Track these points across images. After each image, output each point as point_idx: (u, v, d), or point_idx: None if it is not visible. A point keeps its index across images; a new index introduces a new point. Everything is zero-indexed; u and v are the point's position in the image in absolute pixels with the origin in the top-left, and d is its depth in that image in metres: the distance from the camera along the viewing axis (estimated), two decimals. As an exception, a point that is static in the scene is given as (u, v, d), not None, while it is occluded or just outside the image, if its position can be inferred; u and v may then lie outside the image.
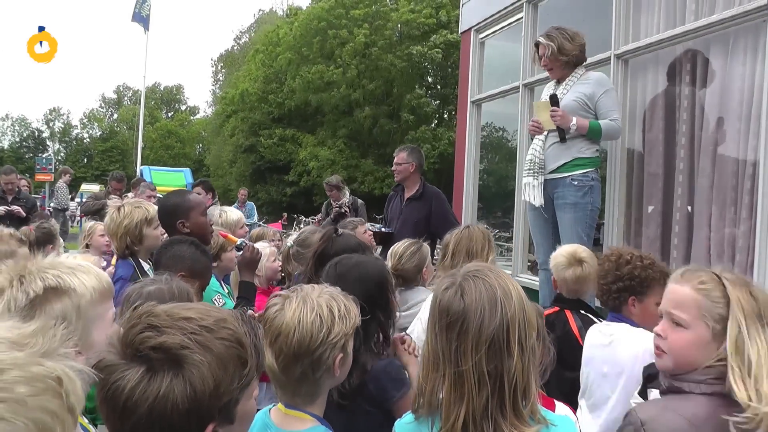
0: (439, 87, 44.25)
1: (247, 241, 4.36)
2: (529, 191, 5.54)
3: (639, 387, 2.99)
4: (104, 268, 5.10)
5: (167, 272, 3.09)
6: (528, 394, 1.89)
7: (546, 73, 5.98)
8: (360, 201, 11.09)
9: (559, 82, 5.59)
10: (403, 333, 2.90)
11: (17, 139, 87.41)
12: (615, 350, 3.25)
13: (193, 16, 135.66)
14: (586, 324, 3.71)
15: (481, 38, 8.28)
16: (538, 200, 5.47)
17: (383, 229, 7.13)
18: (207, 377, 1.40)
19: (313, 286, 2.25)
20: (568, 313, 3.85)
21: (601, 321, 3.71)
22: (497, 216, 9.39)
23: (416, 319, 3.97)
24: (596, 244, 5.78)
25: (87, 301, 1.91)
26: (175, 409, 1.37)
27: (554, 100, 5.24)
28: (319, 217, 11.40)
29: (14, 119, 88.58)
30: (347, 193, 11.09)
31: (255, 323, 1.69)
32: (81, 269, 1.97)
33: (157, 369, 1.39)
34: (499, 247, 9.48)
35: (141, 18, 24.91)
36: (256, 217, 12.06)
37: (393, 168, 7.22)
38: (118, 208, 4.30)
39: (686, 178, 5.21)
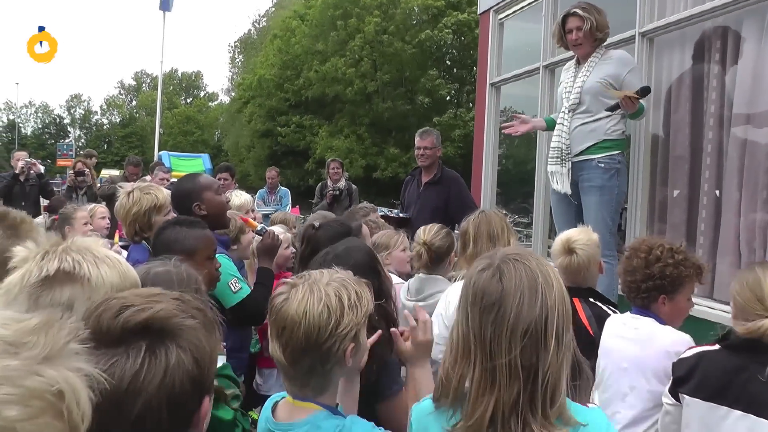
0: (455, 69, 43.89)
1: (264, 227, 4.28)
2: (557, 179, 5.40)
3: (663, 386, 2.89)
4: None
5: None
6: (559, 390, 1.76)
7: (566, 54, 5.79)
8: (354, 186, 11.19)
9: (579, 62, 5.41)
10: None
11: (40, 126, 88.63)
12: (639, 345, 3.09)
13: (212, 2, 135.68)
14: (597, 316, 3.52)
15: (500, 19, 8.06)
16: (565, 188, 5.32)
17: (400, 214, 6.98)
18: (203, 343, 1.33)
19: (322, 271, 2.11)
20: (577, 302, 3.59)
21: (612, 309, 3.56)
22: (517, 201, 9.24)
23: (436, 314, 3.81)
24: (619, 229, 5.60)
25: (100, 296, 1.78)
26: (185, 382, 1.29)
27: (646, 92, 4.95)
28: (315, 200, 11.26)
29: (37, 106, 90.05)
30: (346, 176, 11.23)
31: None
32: (107, 262, 1.88)
33: (157, 344, 1.29)
34: (519, 233, 9.35)
35: (165, 2, 24.64)
36: (289, 207, 11.20)
37: (420, 152, 7.05)
38: (128, 194, 4.22)
39: (714, 161, 5.02)
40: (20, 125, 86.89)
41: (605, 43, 5.38)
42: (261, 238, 4.27)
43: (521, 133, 5.84)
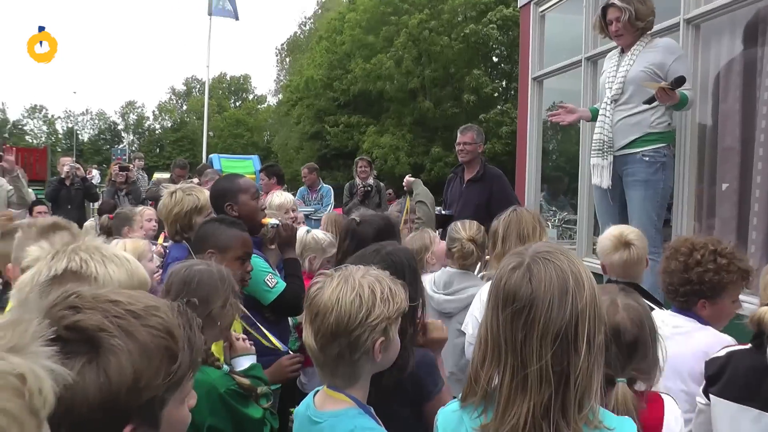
0: (502, 65, 43.52)
1: (277, 221, 4.27)
2: (597, 173, 5.28)
3: (697, 386, 2.78)
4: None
5: (200, 255, 3.23)
6: (589, 394, 1.70)
7: (609, 44, 5.64)
8: (382, 184, 11.43)
9: (623, 51, 5.25)
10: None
11: (96, 132, 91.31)
12: (676, 344, 2.93)
13: (258, 6, 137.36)
14: None
15: (541, 11, 7.96)
16: (605, 182, 5.20)
17: (443, 212, 6.91)
18: (125, 367, 1.24)
19: (359, 267, 2.14)
20: (628, 288, 3.48)
21: (660, 308, 3.39)
22: (562, 198, 9.09)
23: (470, 314, 3.73)
24: (666, 226, 5.42)
25: None
26: (85, 402, 1.20)
27: (680, 82, 4.76)
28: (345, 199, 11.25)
29: (93, 114, 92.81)
30: (374, 174, 11.42)
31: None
32: (115, 261, 1.92)
33: (68, 352, 1.21)
34: (567, 231, 9.18)
35: (221, 11, 24.75)
36: (331, 206, 10.95)
37: (460, 147, 7.03)
38: (171, 194, 4.32)
39: (767, 152, 4.81)
40: (78, 132, 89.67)
41: (650, 31, 5.22)
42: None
43: (567, 123, 5.73)
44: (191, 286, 2.64)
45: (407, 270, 2.66)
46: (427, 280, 4.20)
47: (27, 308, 0.94)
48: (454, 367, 3.99)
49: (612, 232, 3.66)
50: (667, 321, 3.06)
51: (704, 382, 2.73)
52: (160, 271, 4.10)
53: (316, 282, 2.11)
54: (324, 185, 10.95)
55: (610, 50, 5.66)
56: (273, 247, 4.50)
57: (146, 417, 1.29)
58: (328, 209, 10.30)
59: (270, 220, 4.25)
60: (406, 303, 2.09)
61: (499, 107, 38.61)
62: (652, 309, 3.29)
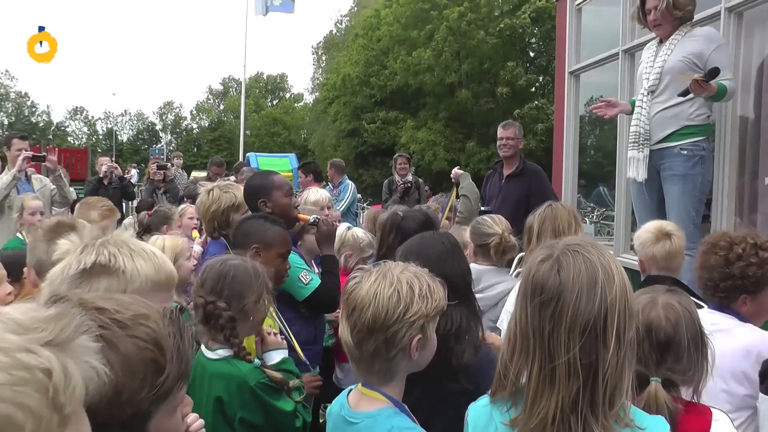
0: (539, 60, 43.10)
1: (317, 217, 4.26)
2: (633, 166, 5.18)
3: (744, 387, 2.71)
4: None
5: (241, 250, 3.28)
6: (620, 391, 1.67)
7: (647, 36, 5.54)
8: (421, 180, 11.47)
9: (661, 41, 5.14)
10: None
11: (134, 133, 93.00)
12: (716, 342, 2.83)
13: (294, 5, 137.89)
14: None
15: (578, 4, 7.86)
16: (641, 175, 5.11)
17: (482, 208, 6.85)
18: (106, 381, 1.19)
19: (397, 263, 2.12)
20: (678, 291, 3.39)
21: (698, 304, 3.28)
22: (599, 193, 8.98)
23: (504, 310, 3.69)
24: (705, 221, 5.30)
25: (135, 288, 1.86)
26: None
27: (713, 74, 4.64)
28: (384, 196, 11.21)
29: (132, 114, 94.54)
30: (412, 171, 11.38)
31: (185, 325, 1.47)
32: (143, 255, 1.93)
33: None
34: (606, 227, 9.07)
35: (276, 6, 24.66)
36: (344, 202, 10.42)
37: (502, 142, 6.98)
38: (208, 192, 4.38)
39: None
40: (117, 133, 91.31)
41: (691, 21, 5.10)
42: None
43: (609, 116, 5.62)
44: (226, 280, 2.66)
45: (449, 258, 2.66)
46: None
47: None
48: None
49: (650, 225, 3.61)
50: (705, 318, 2.98)
51: (742, 383, 2.66)
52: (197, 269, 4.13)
53: (353, 277, 2.09)
54: (346, 181, 10.80)
55: (648, 42, 5.55)
56: (300, 242, 4.51)
57: (131, 430, 1.27)
58: (343, 204, 10.14)
59: (310, 218, 4.25)
60: (444, 301, 2.06)
61: (536, 102, 38.23)
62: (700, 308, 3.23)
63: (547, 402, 1.66)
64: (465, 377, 2.44)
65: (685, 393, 2.16)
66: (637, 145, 5.11)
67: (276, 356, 2.81)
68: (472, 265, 4.16)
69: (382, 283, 1.99)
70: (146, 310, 1.36)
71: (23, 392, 0.71)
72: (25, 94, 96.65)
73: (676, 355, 2.16)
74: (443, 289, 2.08)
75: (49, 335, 0.78)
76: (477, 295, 3.92)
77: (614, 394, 1.65)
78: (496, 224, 4.27)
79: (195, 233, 5.68)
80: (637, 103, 5.18)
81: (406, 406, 2.09)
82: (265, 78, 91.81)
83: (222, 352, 2.64)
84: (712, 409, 2.16)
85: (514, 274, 4.37)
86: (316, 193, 5.47)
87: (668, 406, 2.02)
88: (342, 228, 4.99)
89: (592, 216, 10.04)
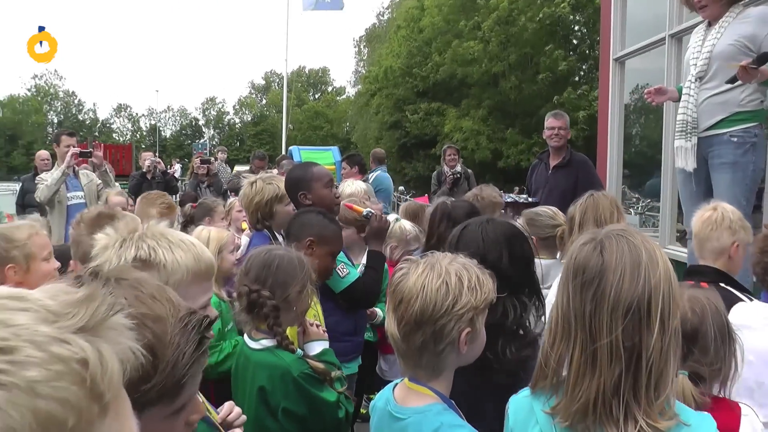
0: (581, 48, 42.48)
1: (371, 210, 4.24)
2: (681, 155, 5.01)
3: None
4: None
5: (296, 241, 3.29)
6: (664, 381, 1.62)
7: (695, 19, 5.38)
8: (470, 171, 11.34)
9: (710, 24, 4.95)
10: None
11: (177, 128, 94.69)
12: (768, 335, 2.76)
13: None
14: (728, 300, 3.17)
15: (623, -11, 7.67)
16: (690, 164, 4.94)
17: (529, 199, 6.76)
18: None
19: (445, 254, 2.06)
20: (705, 287, 3.28)
21: (748, 297, 3.16)
22: (645, 183, 8.82)
23: (548, 302, 3.62)
24: (756, 212, 5.15)
25: (176, 280, 1.86)
26: None
27: (763, 60, 4.47)
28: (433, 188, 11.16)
29: (175, 110, 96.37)
30: (461, 162, 11.30)
31: (200, 339, 1.39)
32: (182, 246, 1.93)
33: None
34: (651, 218, 8.91)
35: (325, 4, 24.65)
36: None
37: (554, 132, 6.86)
38: (251, 184, 4.38)
39: None
40: (161, 129, 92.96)
41: (743, 1, 4.92)
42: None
43: (657, 103, 5.46)
44: (270, 269, 2.66)
45: (503, 246, 2.57)
46: None
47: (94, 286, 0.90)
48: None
49: (705, 209, 3.41)
50: (758, 311, 2.89)
51: None
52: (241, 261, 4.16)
53: (400, 268, 2.03)
54: (376, 170, 10.64)
55: (696, 25, 5.35)
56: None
57: None
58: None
59: (364, 210, 4.23)
60: (493, 294, 2.00)
61: (579, 91, 37.67)
62: (739, 299, 3.12)
63: (589, 385, 1.63)
64: (506, 371, 2.37)
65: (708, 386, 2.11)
66: (684, 133, 4.96)
67: (317, 347, 2.80)
68: (540, 260, 4.09)
69: (430, 275, 1.94)
70: (163, 311, 1.33)
71: (61, 387, 0.70)
72: (73, 92, 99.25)
73: (703, 348, 2.11)
74: (492, 281, 2.02)
75: (80, 321, 0.76)
76: (544, 292, 3.84)
77: (659, 383, 1.61)
78: (557, 215, 4.22)
79: (244, 224, 5.73)
80: (684, 90, 5.03)
81: (454, 402, 2.05)
82: (307, 72, 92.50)
83: (265, 342, 2.65)
84: (741, 405, 2.11)
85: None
86: (351, 186, 5.46)
87: (695, 400, 1.98)
88: (390, 219, 4.98)
89: (637, 207, 9.88)
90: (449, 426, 1.93)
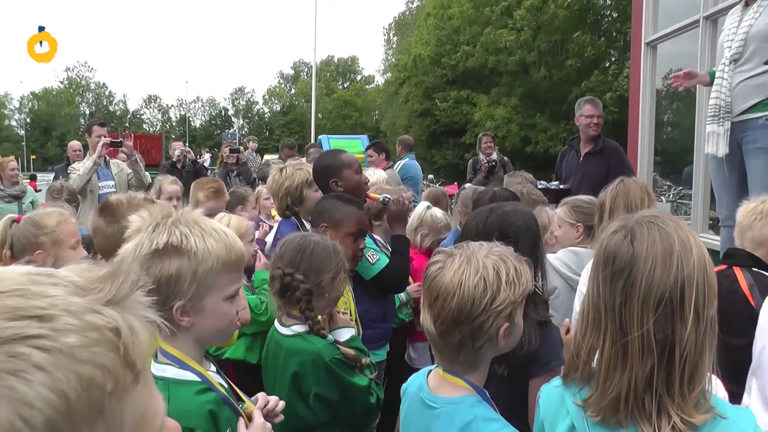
0: (612, 32, 41.99)
1: (388, 196, 4.23)
2: (712, 141, 4.89)
3: None
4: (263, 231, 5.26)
5: (315, 229, 3.32)
6: (699, 374, 1.57)
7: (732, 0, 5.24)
8: (506, 158, 11.19)
9: (747, 4, 4.81)
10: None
11: (207, 119, 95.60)
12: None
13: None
14: (761, 284, 3.08)
15: (655, -29, 7.54)
16: (722, 150, 4.82)
17: (561, 186, 6.66)
18: None
19: (481, 243, 2.00)
20: (737, 270, 3.21)
21: None
22: (677, 170, 8.68)
23: (578, 292, 3.58)
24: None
25: (206, 269, 1.87)
26: None
27: None
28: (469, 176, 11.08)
29: (204, 101, 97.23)
30: (497, 149, 11.23)
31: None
32: (214, 235, 1.93)
33: None
34: (683, 206, 8.78)
35: None
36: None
37: (594, 120, 6.70)
38: (281, 170, 4.39)
39: None
40: (190, 119, 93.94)
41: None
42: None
43: (685, 87, 5.32)
44: (305, 254, 2.67)
45: (522, 233, 2.57)
46: (559, 263, 3.97)
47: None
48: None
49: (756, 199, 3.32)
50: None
51: None
52: (258, 253, 4.17)
53: (435, 261, 1.97)
54: (404, 160, 10.56)
55: (732, 6, 5.23)
56: (378, 223, 4.49)
57: None
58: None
59: (380, 197, 4.22)
60: (531, 284, 1.96)
61: (609, 77, 37.22)
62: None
63: (620, 379, 1.58)
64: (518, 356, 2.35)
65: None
66: (716, 118, 4.85)
67: (344, 334, 2.80)
68: (577, 249, 4.01)
69: (467, 270, 1.88)
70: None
71: (99, 353, 0.73)
72: (103, 84, 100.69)
73: None
74: (530, 269, 1.98)
75: (108, 294, 0.79)
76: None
77: (693, 376, 1.56)
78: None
79: (274, 211, 5.75)
80: (717, 74, 4.91)
81: (488, 393, 2.02)
82: (335, 61, 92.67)
83: (296, 328, 2.65)
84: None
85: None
86: (373, 174, 5.45)
87: None
88: (422, 207, 4.97)
89: (669, 194, 9.75)
90: (483, 419, 1.91)
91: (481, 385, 2.00)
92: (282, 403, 2.11)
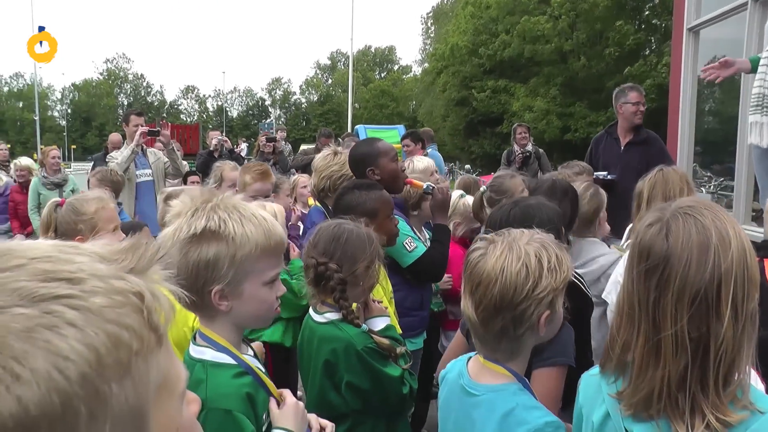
0: (650, 18, 41.33)
1: (431, 185, 4.22)
2: (756, 131, 4.77)
3: None
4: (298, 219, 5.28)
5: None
6: (736, 369, 1.52)
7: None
8: (541, 150, 11.12)
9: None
10: None
11: (244, 109, 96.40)
12: None
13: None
14: None
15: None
16: (766, 140, 4.70)
17: (609, 176, 6.47)
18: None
19: (522, 231, 2.00)
20: (766, 262, 3.09)
21: None
22: (721, 161, 8.52)
23: (613, 282, 3.52)
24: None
25: (244, 254, 1.88)
26: None
27: None
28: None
29: (241, 91, 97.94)
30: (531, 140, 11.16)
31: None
32: (253, 220, 1.93)
33: None
34: (724, 198, 8.63)
35: None
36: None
37: (640, 108, 6.51)
38: (335, 153, 4.44)
39: None
40: (227, 109, 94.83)
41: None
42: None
43: (722, 78, 5.09)
44: (339, 243, 2.65)
45: (544, 227, 2.53)
46: None
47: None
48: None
49: None
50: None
51: None
52: (290, 244, 4.19)
53: (477, 248, 1.97)
54: (428, 150, 10.50)
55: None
56: (416, 212, 4.48)
57: None
58: None
59: (424, 184, 4.21)
60: (571, 270, 1.95)
61: (649, 61, 36.61)
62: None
63: (652, 377, 1.55)
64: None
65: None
66: (760, 108, 4.71)
67: (379, 323, 2.78)
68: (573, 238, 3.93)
69: (509, 257, 1.87)
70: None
71: (125, 314, 0.77)
72: (141, 75, 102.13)
73: None
74: (569, 257, 1.97)
75: (130, 263, 0.83)
76: (579, 270, 3.71)
77: (730, 373, 1.51)
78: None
79: (311, 200, 5.77)
80: (762, 61, 4.76)
81: (528, 382, 2.01)
82: (373, 51, 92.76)
83: (330, 316, 2.64)
84: None
85: (625, 245, 4.18)
86: (421, 161, 5.42)
87: None
88: (455, 195, 4.95)
89: (709, 186, 9.58)
90: (524, 407, 1.90)
91: (522, 373, 1.99)
92: (331, 426, 2.11)
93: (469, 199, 4.95)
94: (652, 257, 1.57)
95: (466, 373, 2.05)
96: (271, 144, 10.54)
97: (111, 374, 0.72)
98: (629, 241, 3.94)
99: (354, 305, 2.66)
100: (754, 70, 4.88)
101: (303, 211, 5.87)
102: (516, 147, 10.85)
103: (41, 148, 12.02)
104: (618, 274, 3.51)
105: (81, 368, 0.69)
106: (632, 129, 6.55)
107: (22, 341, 0.66)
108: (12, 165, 10.67)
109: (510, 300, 1.85)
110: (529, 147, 10.77)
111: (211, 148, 10.31)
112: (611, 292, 3.51)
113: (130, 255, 0.85)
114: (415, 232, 4.12)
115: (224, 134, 14.23)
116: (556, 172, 5.68)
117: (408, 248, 3.85)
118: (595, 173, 6.31)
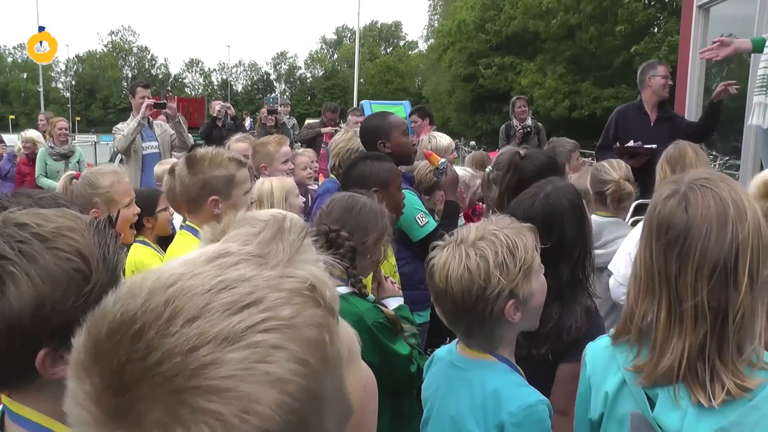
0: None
1: (446, 161, 4.28)
2: (758, 112, 4.77)
3: None
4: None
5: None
6: (751, 336, 1.55)
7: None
8: (540, 125, 10.85)
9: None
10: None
11: (249, 83, 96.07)
12: None
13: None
14: None
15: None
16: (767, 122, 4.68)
17: (646, 146, 6.11)
18: (26, 292, 1.24)
19: (475, 225, 2.00)
20: None
21: None
22: (726, 141, 8.49)
23: (623, 253, 3.52)
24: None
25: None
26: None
27: None
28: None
29: (246, 65, 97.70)
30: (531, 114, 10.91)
31: (111, 234, 1.44)
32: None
33: None
34: (730, 176, 8.58)
35: None
36: None
37: (668, 81, 6.40)
38: (347, 132, 4.60)
39: None
40: (232, 83, 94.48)
41: None
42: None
43: (721, 57, 5.10)
44: (352, 213, 2.67)
45: (567, 213, 2.54)
46: None
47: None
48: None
49: (762, 174, 3.09)
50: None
51: None
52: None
53: (431, 257, 1.99)
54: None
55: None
56: (428, 197, 4.55)
57: (62, 340, 1.26)
58: None
59: (439, 161, 4.24)
60: (533, 250, 1.91)
61: (656, 39, 36.31)
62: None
63: (674, 348, 1.57)
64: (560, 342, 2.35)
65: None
66: (765, 89, 4.71)
67: (393, 303, 2.81)
68: (592, 217, 3.91)
69: (452, 264, 1.89)
70: (71, 222, 1.37)
71: (309, 314, 0.78)
72: (146, 48, 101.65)
73: None
74: (533, 234, 1.95)
75: (285, 255, 0.82)
76: (598, 251, 3.66)
77: (744, 339, 1.55)
78: (614, 170, 4.03)
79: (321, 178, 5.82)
80: None
81: (516, 365, 2.02)
82: (379, 26, 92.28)
83: (339, 289, 2.65)
84: None
85: (630, 222, 4.19)
86: (444, 138, 5.43)
87: None
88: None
89: (715, 165, 9.55)
90: (514, 384, 1.93)
91: (511, 358, 2.02)
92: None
93: (457, 170, 4.98)
94: (672, 230, 1.60)
95: (455, 348, 2.09)
96: (272, 116, 10.49)
97: (320, 374, 0.76)
98: (635, 218, 3.96)
99: (369, 280, 2.68)
100: (757, 50, 4.83)
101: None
102: (515, 121, 10.58)
103: (40, 118, 12.03)
104: (628, 244, 3.52)
105: (300, 383, 0.73)
106: (658, 105, 6.40)
107: (248, 383, 0.69)
108: (17, 137, 10.72)
109: (463, 306, 1.88)
110: (529, 121, 10.51)
111: (215, 115, 10.28)
112: (620, 264, 3.51)
113: (280, 244, 0.84)
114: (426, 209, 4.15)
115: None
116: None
117: (419, 223, 3.90)
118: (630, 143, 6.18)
